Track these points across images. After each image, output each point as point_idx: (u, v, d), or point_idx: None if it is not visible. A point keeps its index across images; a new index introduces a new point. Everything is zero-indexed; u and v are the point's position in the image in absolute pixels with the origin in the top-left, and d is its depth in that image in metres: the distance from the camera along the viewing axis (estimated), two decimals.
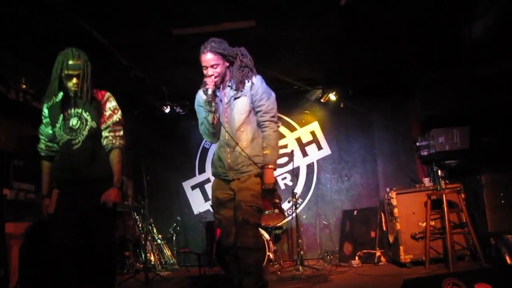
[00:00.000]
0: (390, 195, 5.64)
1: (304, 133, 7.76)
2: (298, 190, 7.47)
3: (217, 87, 3.22)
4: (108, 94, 3.41)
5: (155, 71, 6.16)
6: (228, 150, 3.28)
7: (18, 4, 4.19)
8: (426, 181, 5.90)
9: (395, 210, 5.52)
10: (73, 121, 3.19)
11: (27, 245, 4.45)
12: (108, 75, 5.98)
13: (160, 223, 7.42)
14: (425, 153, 6.26)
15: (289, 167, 7.22)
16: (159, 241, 7.20)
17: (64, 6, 4.26)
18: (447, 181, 5.34)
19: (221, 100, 3.31)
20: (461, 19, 5.01)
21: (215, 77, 3.19)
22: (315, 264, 6.35)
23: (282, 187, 7.54)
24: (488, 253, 4.84)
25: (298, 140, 7.75)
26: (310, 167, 7.67)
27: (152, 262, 6.78)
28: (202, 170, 7.82)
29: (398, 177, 7.15)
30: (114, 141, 3.22)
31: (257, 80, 3.31)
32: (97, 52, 5.19)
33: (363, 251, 6.20)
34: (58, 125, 3.23)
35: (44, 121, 3.37)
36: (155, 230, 7.22)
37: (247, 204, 3.16)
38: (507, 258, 4.46)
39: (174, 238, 7.24)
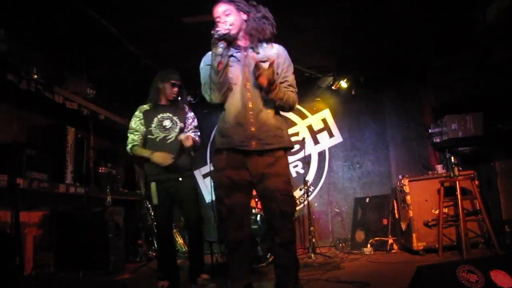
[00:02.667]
0: (402, 182, 5.61)
1: (315, 120, 7.73)
2: (310, 177, 7.47)
3: (229, 41, 2.91)
4: (188, 107, 4.44)
5: (165, 60, 6.14)
6: (251, 113, 2.85)
7: None
8: (439, 168, 5.85)
9: (408, 197, 5.48)
10: (166, 122, 4.13)
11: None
12: (119, 64, 6.02)
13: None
14: (438, 140, 6.22)
15: (301, 155, 7.20)
16: None
17: None
18: (460, 168, 5.29)
19: (239, 61, 2.96)
20: (474, 2, 4.93)
21: (229, 24, 2.90)
22: (327, 251, 6.36)
23: (294, 174, 7.53)
24: (502, 240, 4.81)
25: (310, 127, 7.71)
26: (321, 154, 7.64)
27: None
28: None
29: (411, 164, 7.10)
30: (195, 137, 4.23)
31: (282, 49, 3.06)
32: (108, 41, 5.24)
33: (375, 238, 6.18)
34: (153, 125, 4.12)
35: (138, 121, 4.17)
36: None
37: (282, 193, 2.83)
38: None
39: (185, 226, 7.26)
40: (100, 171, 5.87)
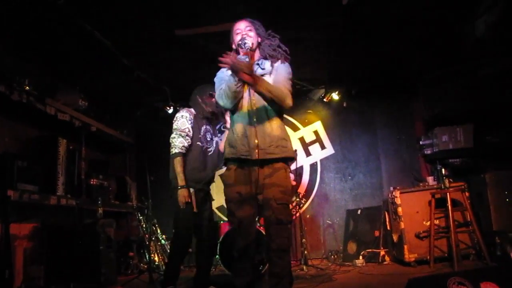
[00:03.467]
0: (394, 194, 5.63)
1: (307, 132, 7.75)
2: (302, 189, 7.48)
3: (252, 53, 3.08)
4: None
5: (157, 71, 6.16)
6: (256, 126, 3.01)
7: (21, 5, 4.20)
8: (430, 179, 5.88)
9: (399, 209, 5.51)
10: (208, 135, 4.26)
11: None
12: (111, 76, 6.03)
13: (164, 223, 7.40)
14: (429, 151, 6.27)
15: (292, 166, 7.20)
16: (163, 241, 7.18)
17: (66, 7, 4.26)
18: (451, 180, 5.32)
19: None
20: (464, 17, 4.99)
21: (252, 40, 3.10)
22: (319, 263, 6.35)
23: None
24: (493, 251, 4.83)
25: (301, 139, 7.74)
26: (313, 166, 7.66)
27: (156, 263, 6.77)
28: None
29: (402, 176, 7.13)
30: None
31: (285, 64, 3.22)
32: (100, 53, 5.25)
33: (367, 250, 6.19)
34: (200, 136, 4.21)
35: (188, 123, 4.18)
36: (159, 231, 7.21)
37: (278, 202, 2.97)
38: None
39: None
40: (91, 183, 5.84)
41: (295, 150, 6.99)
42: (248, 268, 3.15)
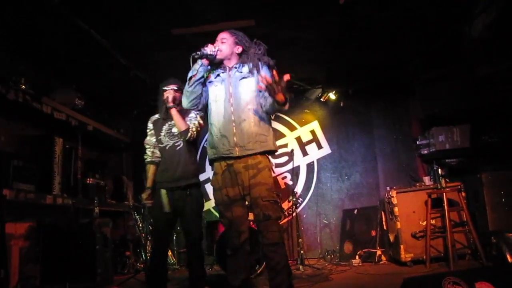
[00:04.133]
0: (390, 194, 5.64)
1: (304, 132, 7.76)
2: (298, 189, 7.48)
3: (212, 62, 3.35)
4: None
5: (154, 71, 6.15)
6: (234, 125, 3.25)
7: (17, 4, 4.18)
8: (427, 179, 5.89)
9: (396, 209, 5.52)
10: (175, 129, 4.04)
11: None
12: (107, 75, 6.02)
13: None
14: (426, 151, 6.28)
15: (289, 166, 7.21)
16: None
17: (62, 6, 4.25)
18: (447, 180, 5.34)
19: (223, 81, 3.37)
20: (460, 17, 5.00)
21: (218, 49, 3.32)
22: (315, 263, 6.35)
23: (282, 186, 7.54)
24: (489, 251, 4.84)
25: (298, 139, 7.74)
26: (310, 166, 7.66)
27: None
28: (202, 169, 7.80)
29: (399, 176, 7.14)
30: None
31: (266, 68, 3.36)
32: (96, 52, 5.24)
33: (364, 250, 6.20)
34: (162, 133, 4.12)
35: (149, 133, 4.24)
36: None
37: (264, 200, 3.15)
38: (508, 256, 4.46)
39: (174, 238, 7.22)
40: (88, 182, 5.83)
41: (292, 150, 7.03)
42: (242, 266, 3.31)
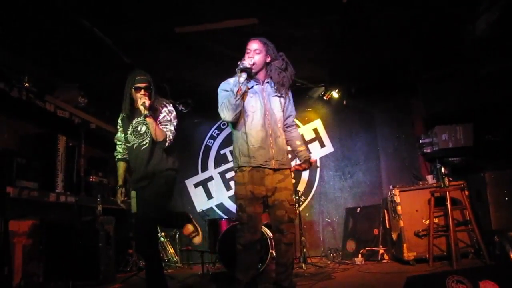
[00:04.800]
0: (393, 192, 5.63)
1: (306, 130, 7.75)
2: (301, 187, 7.47)
3: (250, 75, 3.48)
4: (167, 104, 4.05)
5: (157, 69, 6.14)
6: (271, 139, 3.53)
7: (20, 3, 4.19)
8: (429, 178, 5.88)
9: (398, 208, 5.51)
10: (142, 128, 3.86)
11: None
12: (110, 73, 6.02)
13: None
14: (429, 150, 6.27)
15: (292, 163, 7.20)
16: (162, 239, 7.19)
17: (66, 4, 4.25)
18: (450, 179, 5.33)
19: (257, 93, 3.58)
20: (464, 16, 4.99)
21: (254, 61, 3.49)
22: (318, 261, 6.35)
23: None
24: (492, 250, 4.83)
25: (301, 137, 7.72)
26: None
27: None
28: (204, 168, 7.82)
29: (401, 174, 7.13)
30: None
31: (290, 93, 3.86)
32: (99, 50, 5.24)
33: (366, 248, 6.19)
34: (129, 132, 3.90)
35: (119, 129, 4.04)
36: (158, 228, 7.22)
37: (290, 203, 3.51)
38: (511, 255, 4.45)
39: (177, 236, 7.24)
40: (90, 180, 5.85)
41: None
42: (253, 263, 3.58)
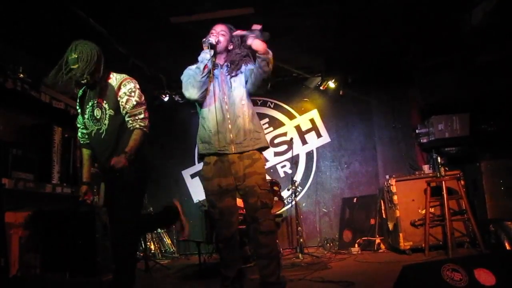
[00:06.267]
0: (389, 182, 5.65)
1: (303, 121, 7.75)
2: (298, 178, 7.48)
3: (215, 53, 3.33)
4: (121, 79, 3.42)
5: (153, 60, 6.12)
6: (229, 122, 3.28)
7: None
8: (426, 168, 5.90)
9: (395, 197, 5.53)
10: (97, 112, 3.31)
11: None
12: (106, 63, 5.98)
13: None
14: (425, 140, 6.27)
15: (289, 155, 7.22)
16: (159, 230, 7.21)
17: None
18: (446, 168, 5.34)
19: (216, 78, 3.37)
20: (460, 4, 4.97)
21: (219, 40, 3.35)
22: (314, 251, 6.38)
23: (282, 175, 7.55)
24: (487, 239, 4.86)
25: (298, 128, 7.73)
26: (309, 155, 7.66)
27: (152, 251, 6.81)
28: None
29: (398, 164, 7.15)
30: (134, 124, 3.28)
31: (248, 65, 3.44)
32: (95, 40, 5.20)
33: (363, 238, 6.22)
34: (86, 116, 3.38)
35: (78, 111, 3.50)
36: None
37: (261, 188, 3.23)
38: (507, 244, 4.48)
39: (173, 226, 7.25)
40: None
41: (291, 139, 7.02)
42: (236, 257, 3.38)
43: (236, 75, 3.39)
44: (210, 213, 3.40)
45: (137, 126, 3.28)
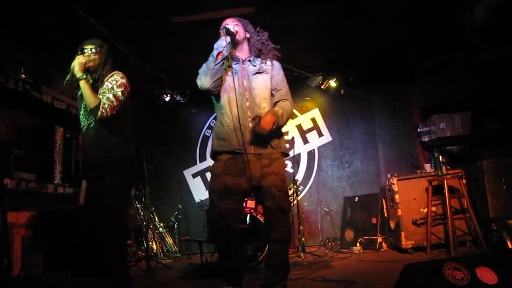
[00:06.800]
0: (391, 181, 5.65)
1: (304, 120, 7.75)
2: (299, 177, 7.48)
3: (233, 41, 3.15)
4: (114, 73, 3.36)
5: (154, 59, 6.13)
6: (250, 121, 3.04)
7: None
8: (427, 167, 5.89)
9: (396, 196, 5.52)
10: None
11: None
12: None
13: (161, 211, 7.45)
14: (426, 139, 6.26)
15: (290, 154, 7.21)
16: (160, 229, 7.22)
17: None
18: (448, 167, 5.35)
19: (236, 72, 3.15)
20: (461, 3, 4.96)
21: (236, 29, 3.17)
22: (316, 250, 6.38)
23: None
24: (489, 238, 4.86)
25: (299, 127, 7.73)
26: (311, 154, 7.66)
27: (154, 250, 6.81)
28: (203, 158, 7.81)
29: (399, 163, 7.15)
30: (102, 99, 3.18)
31: (277, 63, 3.30)
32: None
33: (365, 237, 6.22)
34: (82, 112, 3.33)
35: (79, 111, 3.42)
36: (156, 219, 7.24)
37: (279, 190, 2.96)
38: (509, 242, 4.48)
39: (175, 226, 7.26)
40: None
41: (293, 138, 7.02)
42: (236, 263, 3.15)
43: (259, 72, 3.18)
44: (208, 214, 3.10)
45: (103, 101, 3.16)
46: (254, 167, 3.01)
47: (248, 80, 3.15)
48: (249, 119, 3.05)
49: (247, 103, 3.09)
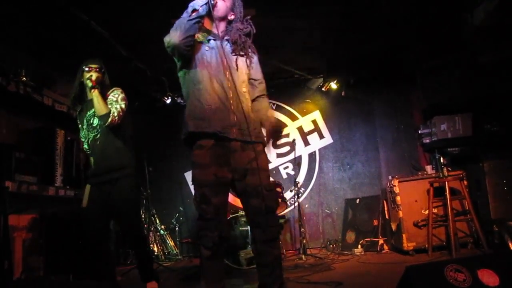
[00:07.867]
0: (392, 183, 5.64)
1: (305, 122, 7.74)
2: (300, 179, 7.47)
3: (210, 8, 2.77)
4: (114, 89, 3.83)
5: (155, 62, 6.13)
6: (232, 102, 2.74)
7: None
8: (429, 168, 5.89)
9: (398, 198, 5.52)
10: (94, 120, 3.71)
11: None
12: (108, 67, 6.00)
13: (162, 213, 7.44)
14: (427, 140, 6.26)
15: (291, 156, 7.20)
16: (162, 231, 7.22)
17: None
18: (449, 169, 5.33)
19: (213, 48, 2.86)
20: (462, 5, 4.96)
21: (216, 1, 2.83)
22: (318, 252, 6.37)
23: (284, 176, 7.54)
24: (491, 240, 4.85)
25: (300, 129, 7.73)
26: (312, 156, 7.65)
27: (155, 253, 6.81)
28: None
29: (400, 165, 7.14)
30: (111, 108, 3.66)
31: (256, 58, 3.04)
32: (97, 43, 5.22)
33: (366, 239, 6.21)
34: (84, 127, 3.77)
35: (80, 126, 3.86)
36: (158, 221, 7.24)
37: (267, 189, 2.72)
38: (510, 244, 4.47)
39: (177, 228, 7.26)
40: None
41: (293, 140, 7.02)
42: (222, 269, 2.77)
43: (239, 55, 2.89)
44: (201, 211, 2.70)
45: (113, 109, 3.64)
46: (239, 159, 2.72)
47: (228, 59, 2.81)
48: (231, 101, 2.73)
49: (228, 84, 2.75)
